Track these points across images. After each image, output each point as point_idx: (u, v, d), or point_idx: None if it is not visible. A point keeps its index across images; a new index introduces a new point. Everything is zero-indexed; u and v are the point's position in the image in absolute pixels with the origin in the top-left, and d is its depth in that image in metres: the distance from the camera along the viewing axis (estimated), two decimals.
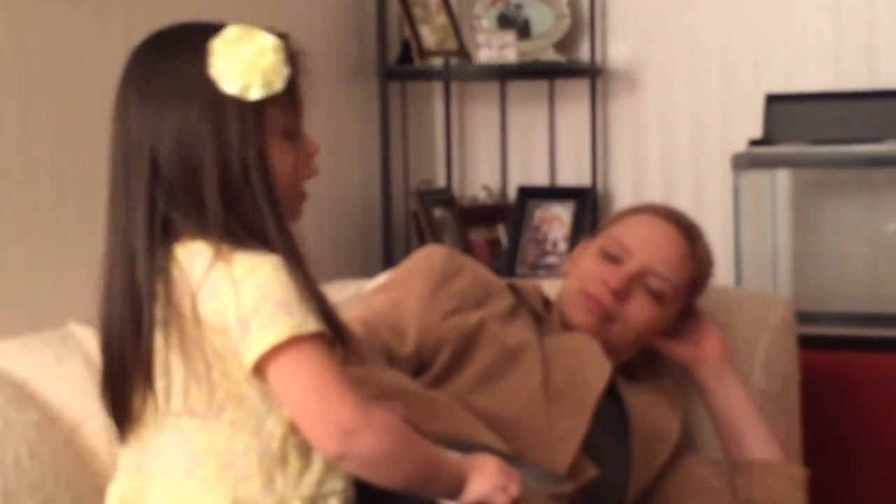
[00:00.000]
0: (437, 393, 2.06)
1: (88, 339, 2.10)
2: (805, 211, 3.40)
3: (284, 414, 1.60)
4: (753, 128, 3.32)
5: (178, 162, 1.59)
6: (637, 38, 3.62)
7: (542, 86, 3.70)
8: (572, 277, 2.31)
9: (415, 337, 2.14)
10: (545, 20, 3.65)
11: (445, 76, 3.64)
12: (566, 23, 3.63)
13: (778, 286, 3.29)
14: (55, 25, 2.54)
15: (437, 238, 3.44)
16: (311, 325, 1.57)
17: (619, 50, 3.64)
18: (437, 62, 3.56)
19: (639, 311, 2.25)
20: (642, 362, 2.36)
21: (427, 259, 2.26)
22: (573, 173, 3.69)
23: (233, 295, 1.56)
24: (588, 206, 3.57)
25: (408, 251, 3.19)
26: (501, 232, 3.67)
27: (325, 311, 1.60)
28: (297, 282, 1.57)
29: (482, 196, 3.74)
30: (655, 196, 3.48)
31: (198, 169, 1.58)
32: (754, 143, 3.24)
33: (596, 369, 2.15)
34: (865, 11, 3.37)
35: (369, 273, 2.98)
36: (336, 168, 3.36)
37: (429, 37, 3.54)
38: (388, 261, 3.44)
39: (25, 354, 2.07)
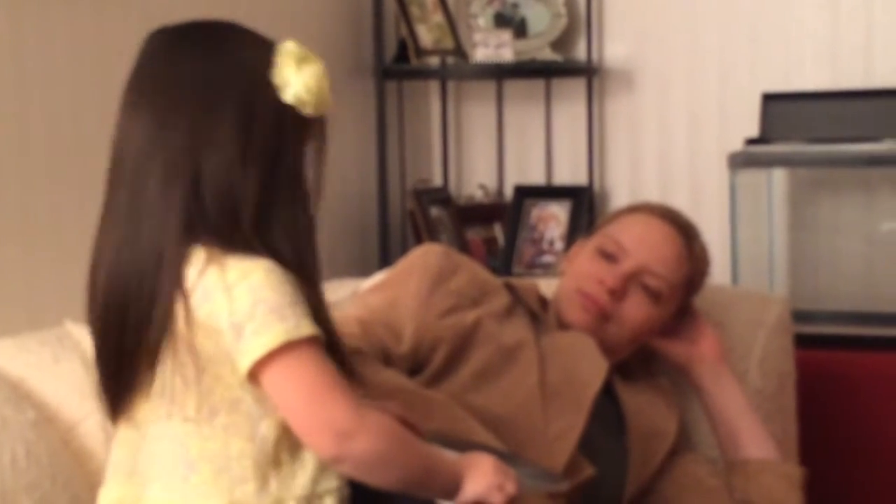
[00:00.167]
0: (434, 392, 2.06)
1: (85, 339, 2.09)
2: (801, 210, 3.41)
3: (278, 417, 1.60)
4: (750, 127, 3.32)
5: (227, 165, 1.58)
6: (633, 37, 3.62)
7: (538, 85, 3.70)
8: (569, 276, 2.31)
9: (411, 336, 2.14)
10: (542, 19, 3.65)
11: (442, 75, 3.65)
12: (563, 22, 3.63)
13: (774, 285, 3.29)
14: (52, 26, 2.53)
15: (433, 237, 3.44)
16: (305, 329, 1.57)
17: (615, 49, 3.64)
18: (434, 61, 3.56)
19: (635, 310, 2.25)
20: (639, 361, 2.36)
21: (423, 258, 2.26)
22: (570, 172, 3.69)
23: (226, 300, 1.55)
24: (584, 205, 3.57)
25: (404, 250, 3.19)
26: (498, 231, 3.67)
27: (321, 319, 1.60)
28: (289, 286, 1.57)
29: (479, 195, 3.74)
30: (652, 195, 3.48)
31: (244, 172, 1.58)
32: (751, 142, 3.25)
33: (592, 368, 2.15)
34: (862, 11, 3.37)
35: (366, 272, 2.98)
36: (333, 167, 3.34)
37: (425, 36, 3.54)
38: (385, 260, 3.44)
39: (22, 354, 2.07)
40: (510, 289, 2.31)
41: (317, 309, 1.60)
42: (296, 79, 1.61)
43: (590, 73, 3.60)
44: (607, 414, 2.20)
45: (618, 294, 2.24)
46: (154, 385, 1.60)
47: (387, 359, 2.11)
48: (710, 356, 2.32)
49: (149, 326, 1.58)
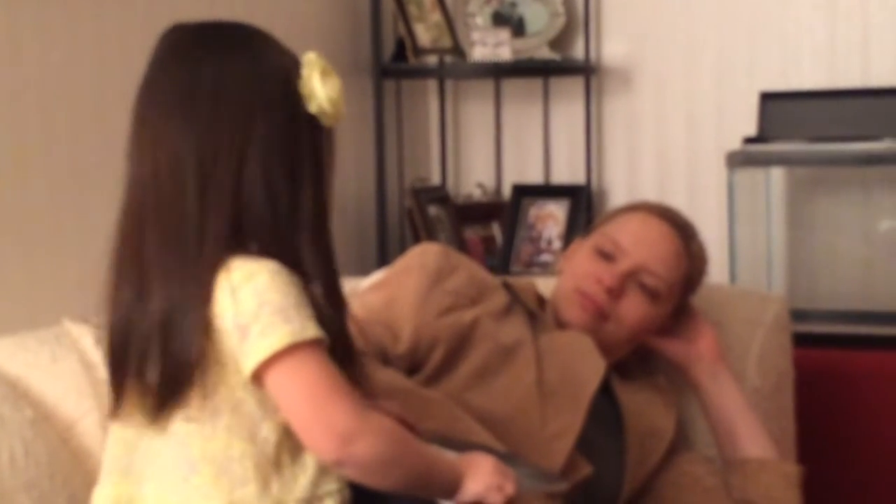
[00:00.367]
0: (432, 391, 2.06)
1: (83, 337, 2.10)
2: (799, 209, 3.41)
3: (279, 419, 1.60)
4: (748, 125, 3.32)
5: (261, 171, 1.58)
6: (631, 35, 3.62)
7: (536, 84, 3.70)
8: (566, 275, 2.31)
9: (409, 335, 2.14)
10: (540, 18, 3.65)
11: (440, 74, 3.65)
12: (560, 20, 3.63)
13: (772, 284, 3.29)
14: (50, 26, 2.53)
15: (431, 236, 3.45)
16: (310, 331, 1.57)
17: (613, 48, 3.64)
18: (432, 60, 3.56)
19: (633, 309, 2.25)
20: (637, 360, 2.36)
21: (421, 257, 2.26)
22: (568, 171, 3.70)
23: (231, 301, 1.55)
24: (582, 204, 3.57)
25: (402, 249, 3.19)
26: (496, 230, 3.67)
27: (331, 322, 1.60)
28: (293, 287, 1.57)
29: (477, 194, 3.74)
30: (650, 194, 3.48)
31: (277, 179, 1.58)
32: (748, 140, 3.25)
33: (590, 367, 2.15)
34: (859, 10, 3.37)
35: (364, 271, 2.98)
36: None
37: (423, 35, 3.55)
38: (383, 259, 3.44)
39: (20, 352, 2.07)
40: (508, 288, 2.31)
41: (326, 311, 1.60)
42: (321, 90, 1.62)
43: (588, 71, 3.60)
44: (605, 413, 2.20)
45: (616, 293, 2.24)
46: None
47: (385, 358, 2.11)
48: (709, 355, 2.32)
49: (172, 324, 1.56)
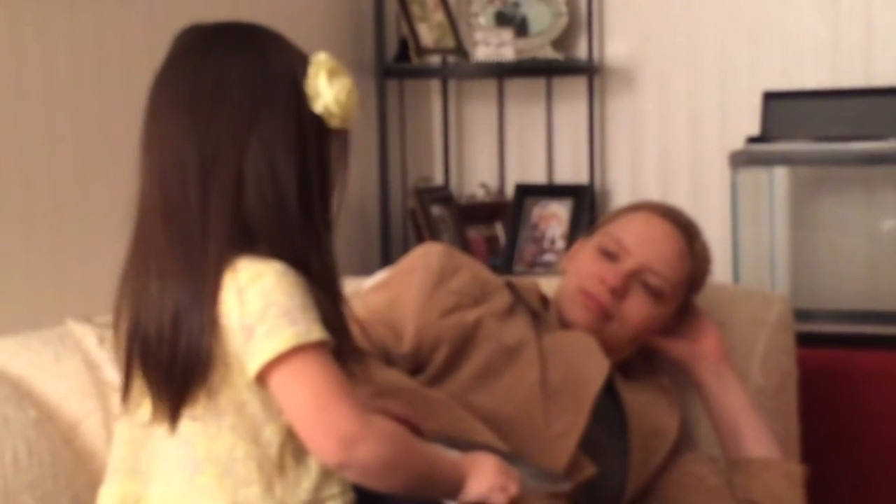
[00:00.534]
0: (435, 391, 2.06)
1: (87, 337, 2.10)
2: (802, 208, 3.41)
3: (282, 422, 1.59)
4: (751, 125, 3.32)
5: (266, 171, 1.57)
6: (634, 35, 3.62)
7: (539, 83, 3.70)
8: (570, 275, 2.31)
9: (412, 335, 2.14)
10: (543, 18, 3.65)
11: (443, 74, 3.65)
12: (564, 20, 3.63)
13: (775, 283, 3.29)
14: (52, 27, 2.54)
15: (434, 236, 3.44)
16: (315, 333, 1.57)
17: (616, 47, 3.64)
18: (435, 60, 3.56)
19: (637, 309, 2.25)
20: (640, 360, 2.36)
21: (425, 257, 2.26)
22: (571, 171, 3.70)
23: (237, 302, 1.55)
24: (586, 204, 3.57)
25: (406, 249, 3.19)
26: (499, 229, 3.67)
27: (335, 324, 1.60)
28: (300, 289, 1.57)
29: (480, 194, 3.74)
30: (653, 193, 3.48)
31: (280, 179, 1.58)
32: (752, 140, 3.24)
33: (594, 367, 2.15)
34: (862, 9, 3.37)
35: (367, 271, 2.98)
36: None
37: (426, 35, 3.55)
38: (386, 258, 3.44)
39: (24, 352, 2.07)
40: (511, 288, 2.31)
41: (330, 313, 1.60)
42: (327, 91, 1.61)
43: (591, 71, 3.60)
44: (609, 413, 2.19)
45: (619, 293, 2.24)
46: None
47: (388, 358, 2.11)
48: (712, 355, 2.32)
49: (181, 327, 1.56)
